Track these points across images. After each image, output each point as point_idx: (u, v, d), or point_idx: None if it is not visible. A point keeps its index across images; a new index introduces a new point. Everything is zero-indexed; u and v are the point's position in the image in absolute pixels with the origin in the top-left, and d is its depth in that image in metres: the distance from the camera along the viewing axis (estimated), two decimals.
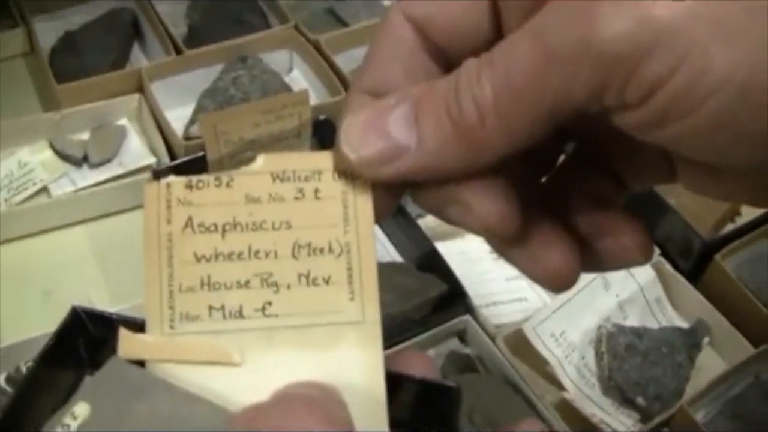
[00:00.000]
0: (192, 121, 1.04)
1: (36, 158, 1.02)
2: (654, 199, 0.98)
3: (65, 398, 0.39)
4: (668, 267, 0.95)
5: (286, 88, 1.08)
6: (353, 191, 0.37)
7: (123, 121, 1.07)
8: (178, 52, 1.09)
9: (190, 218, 0.37)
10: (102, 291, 0.92)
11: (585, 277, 0.89)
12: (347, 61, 1.10)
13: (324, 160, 0.37)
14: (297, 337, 0.37)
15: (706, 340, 0.91)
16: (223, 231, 0.37)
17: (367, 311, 0.37)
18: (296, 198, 0.37)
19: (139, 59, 1.17)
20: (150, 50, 1.17)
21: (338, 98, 1.04)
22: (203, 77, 1.09)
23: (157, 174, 0.37)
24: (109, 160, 1.03)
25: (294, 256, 0.37)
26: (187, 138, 1.01)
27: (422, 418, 0.42)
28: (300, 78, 1.14)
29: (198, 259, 0.37)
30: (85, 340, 0.42)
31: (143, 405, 0.35)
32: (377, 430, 0.37)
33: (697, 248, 0.95)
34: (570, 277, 0.36)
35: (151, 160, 1.02)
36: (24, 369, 0.82)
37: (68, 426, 0.36)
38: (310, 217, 0.37)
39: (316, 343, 0.37)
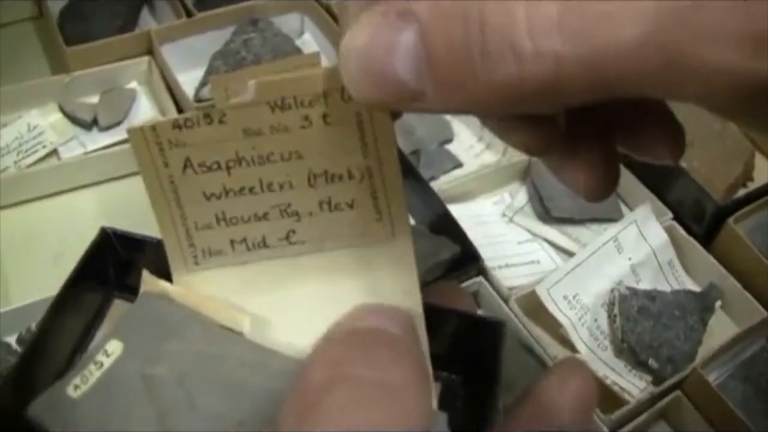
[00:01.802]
0: (203, 84, 1.03)
1: (45, 121, 1.02)
2: (668, 164, 0.97)
3: (93, 319, 0.40)
4: (681, 231, 0.95)
5: (297, 52, 1.07)
6: (368, 111, 0.33)
7: (132, 84, 1.07)
8: (189, 15, 1.09)
9: (188, 159, 0.35)
10: None
11: (598, 241, 0.89)
12: None
13: (328, 80, 0.33)
14: (326, 262, 0.36)
15: (718, 303, 0.91)
16: (228, 168, 0.35)
17: (397, 232, 0.36)
18: (302, 127, 0.34)
19: (147, 24, 1.17)
20: (159, 14, 1.17)
21: None
22: (214, 40, 1.08)
23: None
24: (118, 123, 1.03)
25: (311, 185, 0.35)
26: (197, 100, 1.01)
27: (463, 353, 0.42)
28: (311, 41, 1.13)
29: (208, 198, 0.36)
30: (114, 262, 0.42)
31: (175, 342, 0.35)
32: None
33: (709, 212, 0.95)
34: (603, 189, 0.35)
35: None
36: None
37: (101, 363, 0.36)
38: (322, 145, 0.34)
39: (347, 266, 0.36)
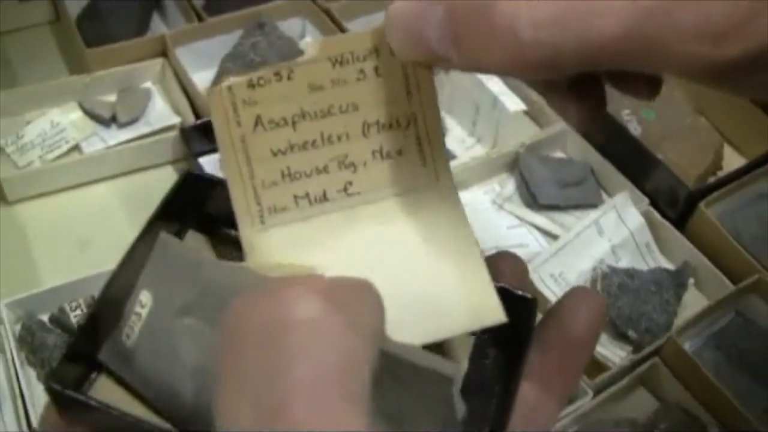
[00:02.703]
0: (215, 83, 1.10)
1: (67, 119, 1.08)
2: (644, 155, 1.05)
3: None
4: (656, 215, 1.03)
5: (300, 53, 1.14)
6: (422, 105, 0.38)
7: (147, 84, 1.14)
8: (200, 19, 1.16)
9: (258, 117, 0.37)
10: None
11: (581, 224, 0.97)
12: (357, 27, 1.17)
13: (378, 37, 0.37)
14: (380, 210, 0.39)
15: (691, 280, 0.99)
16: (293, 123, 0.37)
17: (441, 176, 0.39)
18: (358, 79, 0.37)
19: (158, 27, 1.24)
20: (170, 18, 1.24)
21: None
22: (223, 43, 1.15)
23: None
24: (136, 120, 1.09)
25: (365, 135, 0.39)
26: None
27: (493, 331, 0.42)
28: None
29: (274, 154, 0.38)
30: (189, 200, 0.44)
31: (194, 286, 0.37)
32: (481, 288, 0.39)
33: (682, 198, 1.02)
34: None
35: (175, 119, 1.09)
36: (69, 311, 0.88)
37: (140, 314, 0.38)
38: (374, 95, 0.38)
39: (399, 213, 0.39)
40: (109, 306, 0.39)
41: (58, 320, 0.88)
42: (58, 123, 1.07)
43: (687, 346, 0.91)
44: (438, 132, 0.39)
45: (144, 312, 0.38)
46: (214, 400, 0.29)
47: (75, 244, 0.99)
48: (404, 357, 0.34)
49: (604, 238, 0.99)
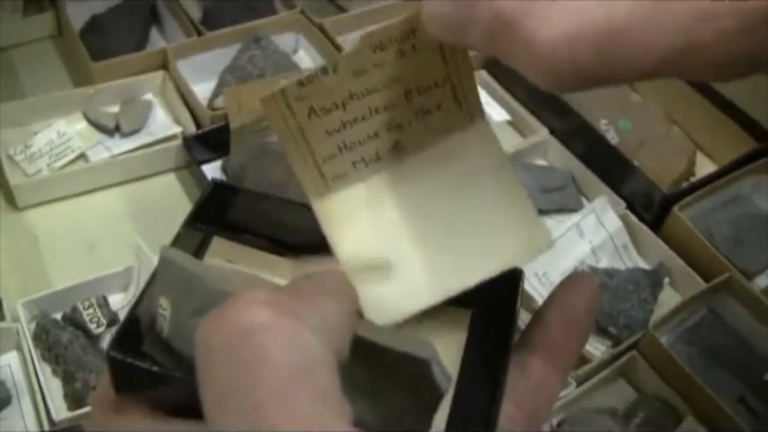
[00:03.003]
0: (215, 94, 1.16)
1: (72, 128, 1.14)
2: (622, 162, 1.11)
3: (195, 253, 0.47)
4: (633, 218, 1.09)
5: (294, 66, 1.21)
6: (451, 74, 0.42)
7: (149, 96, 1.20)
8: (199, 33, 1.22)
9: (311, 108, 0.40)
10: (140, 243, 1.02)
11: (563, 227, 1.03)
12: (348, 42, 1.23)
13: (415, 20, 0.40)
14: (428, 158, 0.44)
15: (666, 280, 1.05)
16: (343, 105, 0.40)
17: (475, 116, 0.43)
18: (397, 57, 0.40)
19: (157, 41, 1.29)
20: (168, 32, 1.30)
21: None
22: (221, 56, 1.21)
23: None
24: (138, 130, 1.15)
25: (408, 100, 0.42)
26: (212, 109, 1.13)
27: (486, 296, 0.45)
28: (305, 57, 1.27)
29: (329, 133, 0.41)
30: (218, 208, 0.48)
31: (198, 294, 0.39)
32: (528, 218, 0.42)
33: (657, 201, 1.09)
34: None
35: (176, 129, 1.14)
36: (82, 309, 0.93)
37: (164, 316, 0.40)
38: (414, 67, 0.41)
39: (444, 156, 0.44)
40: (145, 305, 0.42)
41: (71, 318, 0.93)
42: (64, 133, 1.13)
43: (663, 340, 0.97)
44: (471, 80, 0.43)
45: (167, 313, 0.41)
46: (204, 415, 0.32)
47: (83, 247, 1.04)
48: (380, 342, 0.37)
49: (584, 240, 1.05)
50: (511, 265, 0.43)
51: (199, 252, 0.48)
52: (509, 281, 0.45)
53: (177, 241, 0.44)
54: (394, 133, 0.43)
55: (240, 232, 0.49)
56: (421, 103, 0.43)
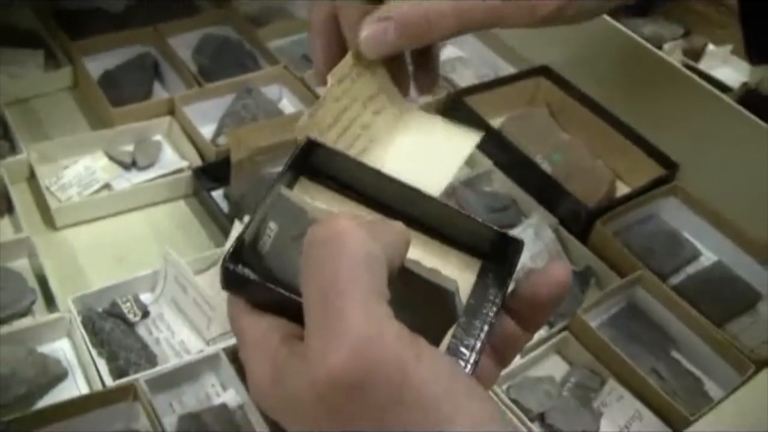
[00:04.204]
0: (217, 134, 1.37)
1: (96, 164, 1.33)
2: (554, 186, 1.33)
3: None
4: (564, 231, 1.30)
5: (280, 112, 1.42)
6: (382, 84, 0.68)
7: (158, 137, 1.40)
8: (199, 85, 1.43)
9: (319, 128, 0.62)
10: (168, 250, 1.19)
11: None
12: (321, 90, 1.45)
13: (356, 53, 0.66)
14: (387, 127, 0.68)
15: (592, 280, 1.26)
16: (337, 119, 0.64)
17: (402, 109, 0.69)
18: (352, 82, 0.65)
19: (159, 92, 1.50)
20: (169, 85, 1.51)
21: None
22: (218, 104, 1.43)
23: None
24: (152, 164, 1.35)
25: (365, 108, 0.66)
26: (215, 145, 1.35)
27: (494, 252, 0.58)
28: (288, 104, 1.48)
29: (335, 141, 0.64)
30: (306, 158, 0.61)
31: (301, 223, 0.49)
32: (452, 133, 0.68)
33: (584, 217, 1.29)
34: (426, 89, 0.76)
35: (183, 163, 1.35)
36: (121, 304, 1.13)
37: (269, 235, 0.51)
38: (361, 86, 0.66)
39: (395, 125, 0.68)
40: (251, 229, 0.52)
41: (111, 311, 1.12)
42: (89, 167, 1.32)
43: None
44: (392, 87, 0.69)
45: (272, 234, 0.51)
46: (300, 284, 0.45)
47: (113, 259, 1.23)
48: (420, 273, 0.48)
49: (524, 248, 1.26)
50: (461, 164, 0.67)
51: (289, 186, 0.59)
52: (513, 246, 0.58)
53: (274, 185, 0.55)
54: (366, 130, 0.67)
55: (320, 177, 0.62)
56: (373, 108, 0.67)
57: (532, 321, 0.57)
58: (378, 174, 0.59)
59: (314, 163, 0.61)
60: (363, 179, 0.60)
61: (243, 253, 0.52)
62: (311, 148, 0.60)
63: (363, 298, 0.42)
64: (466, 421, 0.42)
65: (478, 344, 0.53)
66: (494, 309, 0.55)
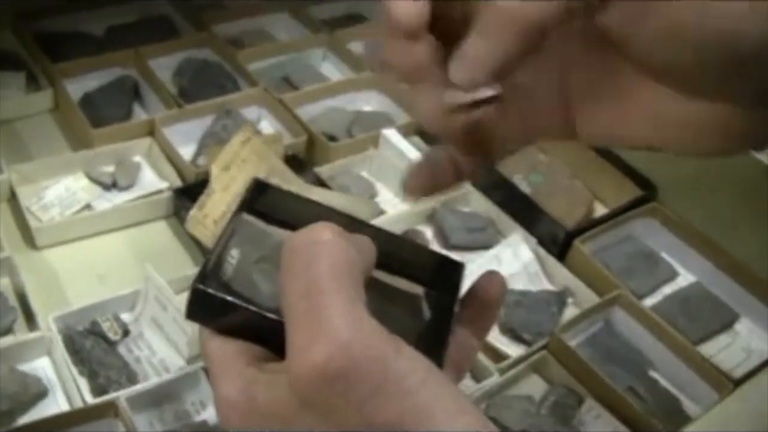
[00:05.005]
0: (196, 156, 1.39)
1: (77, 184, 1.34)
2: (533, 207, 1.35)
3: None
4: (542, 251, 1.32)
5: (258, 134, 1.44)
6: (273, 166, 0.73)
7: (137, 158, 1.41)
8: (179, 106, 1.44)
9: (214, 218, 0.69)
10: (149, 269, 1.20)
11: (485, 257, 1.26)
12: (304, 113, 1.48)
13: (248, 143, 0.73)
14: None
15: (570, 299, 1.28)
16: (228, 210, 0.69)
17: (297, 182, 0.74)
18: (239, 170, 0.73)
19: (138, 113, 1.51)
20: (148, 106, 1.52)
21: (301, 139, 1.41)
22: (198, 125, 1.44)
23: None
24: (132, 185, 1.36)
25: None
26: (195, 166, 1.35)
27: (435, 281, 0.59)
28: (267, 125, 1.50)
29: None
30: (251, 199, 0.60)
31: (265, 246, 0.54)
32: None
33: (562, 237, 1.31)
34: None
35: (162, 184, 1.35)
36: (101, 322, 1.14)
37: (231, 263, 0.53)
38: (246, 171, 0.72)
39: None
40: (214, 257, 0.54)
41: (92, 330, 1.13)
42: (70, 187, 1.33)
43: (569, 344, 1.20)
44: (282, 166, 0.75)
45: (234, 260, 0.53)
46: (280, 289, 0.47)
47: (94, 279, 1.24)
48: (388, 283, 0.54)
49: (502, 267, 1.26)
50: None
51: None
52: (456, 269, 0.60)
53: (232, 219, 0.57)
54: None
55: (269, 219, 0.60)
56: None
57: (482, 325, 0.59)
58: (323, 207, 0.59)
59: (261, 203, 0.61)
60: (307, 214, 0.57)
61: (206, 280, 0.52)
62: (258, 188, 0.61)
63: (345, 297, 0.45)
64: (442, 409, 0.45)
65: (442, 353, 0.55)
66: (448, 328, 0.57)
